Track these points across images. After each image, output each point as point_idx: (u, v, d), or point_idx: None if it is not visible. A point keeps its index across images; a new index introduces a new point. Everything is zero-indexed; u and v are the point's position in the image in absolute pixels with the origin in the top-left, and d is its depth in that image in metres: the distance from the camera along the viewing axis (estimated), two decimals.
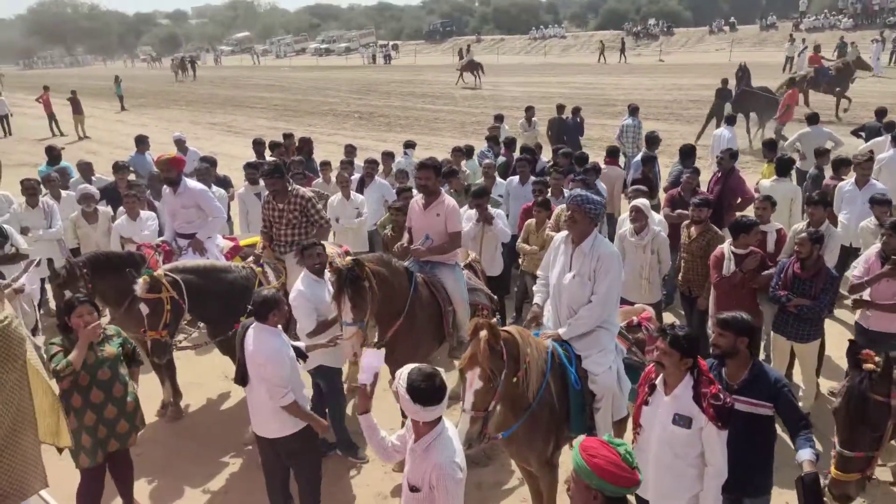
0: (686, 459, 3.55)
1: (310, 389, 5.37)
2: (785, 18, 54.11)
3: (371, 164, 9.04)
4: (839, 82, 19.43)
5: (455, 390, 4.99)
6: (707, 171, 10.44)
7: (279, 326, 4.43)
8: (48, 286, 5.62)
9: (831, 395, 5.49)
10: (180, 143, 11.33)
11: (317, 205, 6.33)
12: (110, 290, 5.72)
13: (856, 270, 5.55)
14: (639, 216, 6.41)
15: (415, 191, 7.04)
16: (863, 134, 11.67)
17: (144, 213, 7.66)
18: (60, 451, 4.21)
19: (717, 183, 8.07)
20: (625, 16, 63.08)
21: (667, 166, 10.73)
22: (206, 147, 17.15)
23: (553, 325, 4.54)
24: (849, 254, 7.28)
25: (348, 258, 4.86)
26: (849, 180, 7.71)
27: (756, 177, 10.42)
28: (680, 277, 6.66)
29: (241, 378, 4.40)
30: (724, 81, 16.76)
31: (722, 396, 3.44)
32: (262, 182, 7.10)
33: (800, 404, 5.46)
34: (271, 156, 10.46)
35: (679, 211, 7.29)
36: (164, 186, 6.96)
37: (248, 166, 8.93)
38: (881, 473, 4.57)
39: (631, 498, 3.38)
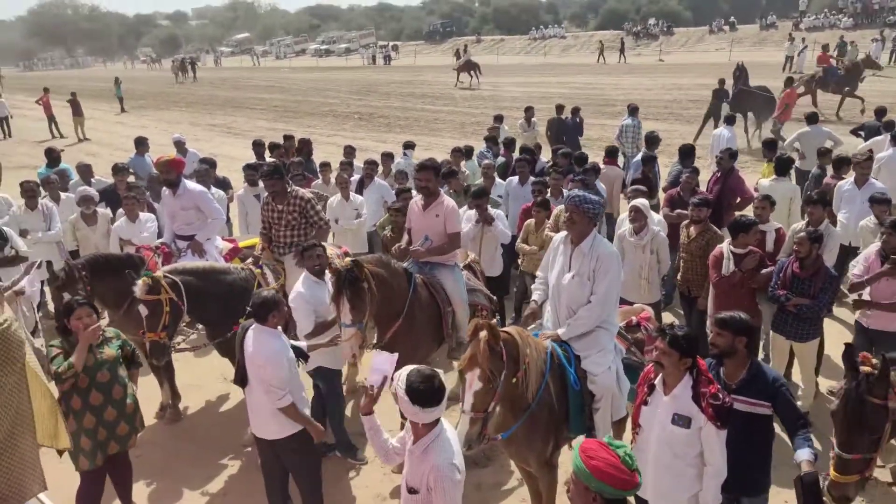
0: (685, 459, 3.55)
1: (310, 391, 5.38)
2: (785, 18, 54.10)
3: (370, 165, 9.04)
4: (848, 82, 19.20)
5: (454, 391, 4.99)
6: (706, 170, 10.44)
7: (279, 328, 4.43)
8: (47, 288, 5.60)
9: (830, 395, 5.48)
10: (180, 145, 11.34)
11: (316, 206, 6.33)
12: (109, 293, 5.72)
13: (855, 269, 5.54)
14: (638, 216, 6.41)
15: (414, 192, 7.04)
16: (862, 133, 11.68)
17: (143, 215, 7.67)
18: (61, 453, 4.22)
19: (717, 183, 8.06)
20: (625, 16, 63.08)
21: (666, 166, 10.72)
22: (206, 149, 17.16)
23: (552, 325, 4.54)
24: (848, 253, 7.27)
25: (347, 259, 4.86)
26: (848, 179, 7.71)
27: (755, 176, 10.42)
28: (679, 277, 6.65)
29: (241, 379, 4.39)
30: (721, 82, 16.75)
31: (721, 396, 3.44)
32: (261, 183, 7.10)
33: (799, 403, 5.47)
34: (271, 157, 10.47)
35: (678, 211, 7.28)
36: (164, 188, 6.96)
37: (248, 168, 8.93)
38: (880, 474, 4.57)
39: (630, 498, 3.38)
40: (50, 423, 3.83)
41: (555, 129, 13.49)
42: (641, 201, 6.54)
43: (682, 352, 3.44)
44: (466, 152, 10.30)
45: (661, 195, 8.76)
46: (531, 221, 7.25)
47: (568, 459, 4.71)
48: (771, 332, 5.93)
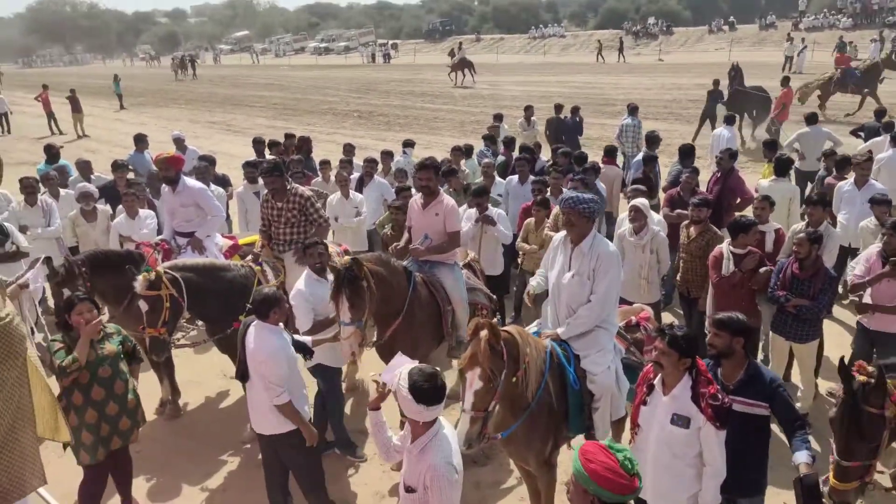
0: (684, 459, 3.56)
1: (313, 389, 5.38)
2: (784, 18, 54.11)
3: (370, 163, 9.04)
4: (867, 83, 18.95)
5: (454, 390, 5.00)
6: (706, 170, 10.44)
7: (280, 324, 4.44)
8: (46, 284, 5.60)
9: (830, 396, 5.49)
10: (179, 142, 11.32)
11: (315, 203, 6.33)
12: (109, 289, 5.71)
13: (856, 269, 5.55)
14: (638, 216, 6.41)
15: (413, 190, 7.05)
16: (862, 134, 11.68)
17: (143, 212, 7.66)
18: (65, 447, 4.24)
19: (717, 183, 8.07)
20: (624, 15, 63.07)
21: (666, 166, 10.72)
22: (205, 146, 17.14)
23: (552, 324, 4.54)
24: (848, 254, 7.29)
25: (346, 258, 4.86)
26: (848, 181, 7.72)
27: (753, 176, 10.43)
28: (679, 277, 6.65)
29: (242, 375, 4.41)
30: (716, 83, 16.73)
31: (720, 396, 3.45)
32: (260, 181, 7.09)
33: (798, 405, 5.49)
34: (270, 154, 10.46)
35: (678, 211, 7.28)
36: (163, 185, 6.96)
37: (247, 165, 8.92)
38: (880, 478, 4.57)
39: None
40: (50, 416, 3.84)
41: (554, 129, 13.50)
42: (641, 201, 6.54)
43: (682, 352, 3.45)
44: (466, 151, 10.30)
45: (662, 195, 8.76)
46: (531, 220, 7.26)
47: (567, 458, 4.72)
48: (770, 332, 5.93)
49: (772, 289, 5.60)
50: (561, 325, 4.43)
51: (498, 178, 8.76)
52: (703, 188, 8.23)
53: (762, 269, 5.69)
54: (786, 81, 15.69)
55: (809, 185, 10.10)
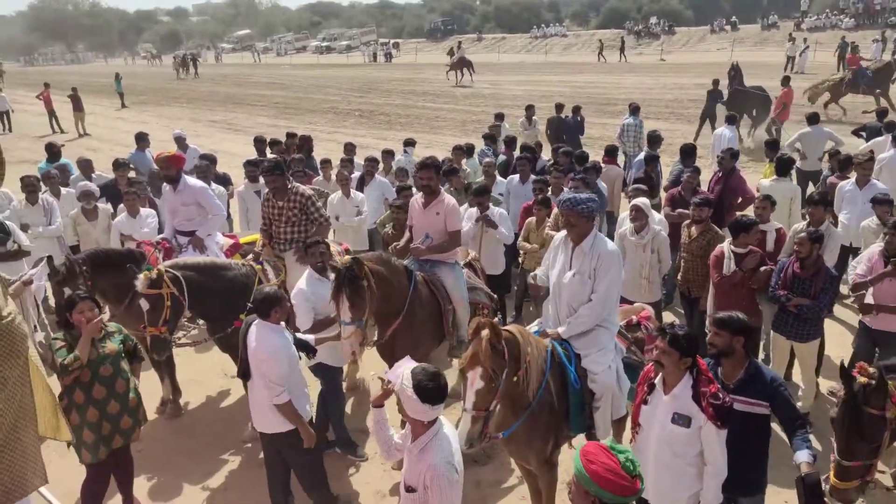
0: (685, 458, 3.56)
1: (316, 388, 5.38)
2: (786, 18, 54.09)
3: (371, 163, 9.04)
4: (879, 83, 18.83)
5: (455, 389, 5.00)
6: (707, 170, 10.43)
7: (282, 323, 4.44)
8: (48, 284, 5.60)
9: (831, 395, 5.49)
10: (180, 141, 11.32)
11: (316, 202, 6.33)
12: (110, 287, 5.71)
13: (858, 269, 5.54)
14: (639, 215, 6.41)
15: (414, 189, 7.04)
16: (863, 134, 11.66)
17: (144, 211, 7.67)
18: (69, 445, 4.25)
19: (718, 182, 8.06)
20: (626, 14, 63.05)
21: (667, 165, 10.72)
22: (207, 145, 17.13)
23: (553, 323, 4.54)
24: (849, 253, 7.28)
25: (347, 257, 4.86)
26: (849, 180, 7.71)
27: (754, 176, 10.42)
28: (680, 277, 6.65)
29: (244, 373, 4.42)
30: (715, 82, 16.69)
31: (721, 396, 3.44)
32: (261, 180, 7.09)
33: (799, 404, 5.49)
34: (271, 153, 10.46)
35: (680, 210, 7.28)
36: (164, 184, 6.96)
37: (248, 164, 8.93)
38: (882, 478, 4.57)
39: None
40: (52, 415, 3.85)
41: (555, 128, 13.49)
42: (642, 200, 6.54)
43: (683, 351, 3.44)
44: (467, 150, 10.29)
45: (663, 194, 8.76)
46: (532, 220, 7.26)
47: (568, 457, 4.73)
48: (772, 332, 5.93)
49: (773, 288, 5.60)
50: (562, 325, 4.43)
51: (499, 178, 8.76)
52: (704, 188, 8.22)
53: (763, 269, 5.69)
54: (786, 81, 15.65)
55: (811, 185, 10.10)
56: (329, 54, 66.51)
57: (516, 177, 8.62)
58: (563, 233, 4.56)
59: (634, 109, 12.77)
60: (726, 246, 5.83)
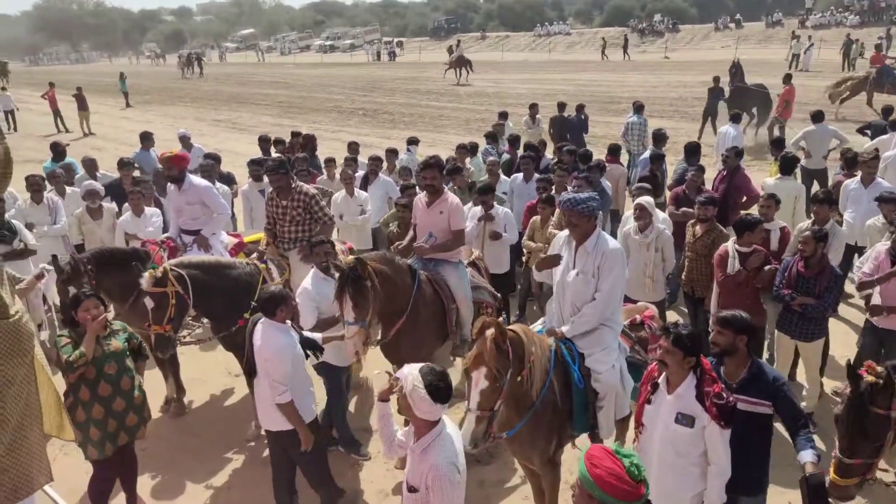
0: (689, 458, 3.55)
1: (321, 388, 5.39)
2: (791, 15, 53.90)
3: (375, 161, 9.04)
4: None
5: (459, 388, 5.00)
6: (712, 168, 10.40)
7: (288, 322, 4.45)
8: (53, 283, 5.63)
9: (835, 395, 5.48)
10: (185, 140, 11.35)
11: (320, 201, 6.34)
12: (114, 286, 5.74)
13: (864, 267, 5.52)
14: (643, 214, 6.39)
15: (418, 188, 7.04)
16: (868, 132, 11.61)
17: (149, 210, 7.68)
18: (79, 444, 4.27)
19: (723, 181, 8.03)
20: (630, 12, 62.95)
21: (672, 164, 10.66)
22: (211, 144, 17.18)
23: (557, 322, 4.54)
24: (854, 252, 7.26)
25: (350, 257, 4.86)
26: (854, 179, 7.68)
27: (758, 175, 10.38)
28: (684, 276, 6.62)
29: (250, 371, 4.43)
30: (716, 80, 16.61)
31: (725, 395, 3.44)
32: (265, 179, 7.10)
33: (803, 404, 5.47)
34: (275, 152, 10.48)
35: (684, 209, 7.26)
36: (169, 183, 6.97)
37: (253, 163, 8.94)
38: (885, 476, 4.56)
39: None
40: (56, 414, 3.86)
41: (557, 127, 13.45)
42: (646, 199, 6.52)
43: (686, 351, 3.43)
44: (471, 149, 10.27)
45: (667, 193, 8.73)
46: (536, 218, 7.25)
47: (571, 457, 4.74)
48: (776, 331, 5.91)
49: (777, 287, 5.58)
50: (565, 324, 4.42)
51: (503, 176, 8.75)
52: (708, 186, 8.19)
53: (767, 268, 5.67)
54: (788, 79, 15.58)
55: (816, 183, 10.06)
56: (332, 53, 66.51)
57: (520, 175, 8.61)
58: (567, 232, 4.55)
59: (638, 108, 12.73)
60: (730, 245, 5.81)
